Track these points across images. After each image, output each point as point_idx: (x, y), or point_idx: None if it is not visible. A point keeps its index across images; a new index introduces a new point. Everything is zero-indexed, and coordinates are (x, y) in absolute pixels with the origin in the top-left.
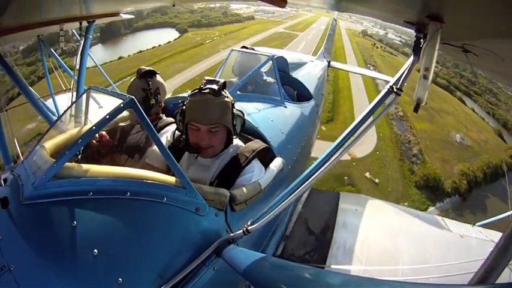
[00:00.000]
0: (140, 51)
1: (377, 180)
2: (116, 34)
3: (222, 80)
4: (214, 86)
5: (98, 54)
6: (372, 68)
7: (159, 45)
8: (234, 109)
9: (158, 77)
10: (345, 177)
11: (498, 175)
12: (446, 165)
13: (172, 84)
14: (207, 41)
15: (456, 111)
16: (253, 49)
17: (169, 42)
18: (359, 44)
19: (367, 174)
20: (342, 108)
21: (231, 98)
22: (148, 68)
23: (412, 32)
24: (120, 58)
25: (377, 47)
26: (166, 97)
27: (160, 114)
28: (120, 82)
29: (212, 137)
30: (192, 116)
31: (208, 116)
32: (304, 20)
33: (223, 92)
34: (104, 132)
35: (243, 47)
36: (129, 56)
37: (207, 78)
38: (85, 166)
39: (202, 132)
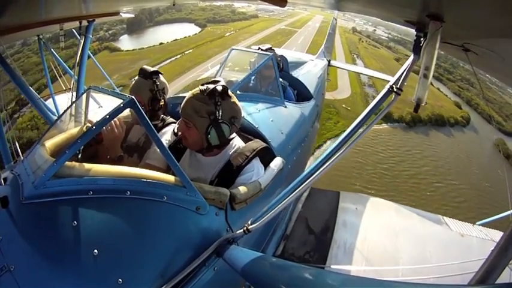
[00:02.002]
0: (176, 39)
1: (349, 108)
2: (141, 26)
3: (221, 85)
4: (209, 86)
5: (125, 44)
6: (355, 56)
7: (189, 36)
8: (219, 120)
9: (162, 77)
10: (330, 105)
11: (445, 123)
12: (398, 110)
13: (217, 61)
14: (227, 34)
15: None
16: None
17: (196, 34)
18: (348, 38)
19: (343, 105)
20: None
21: (227, 108)
22: (153, 68)
23: (399, 28)
24: (161, 44)
25: (362, 41)
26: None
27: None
28: (173, 58)
29: (186, 130)
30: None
31: (182, 108)
32: (301, 18)
33: (216, 98)
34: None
35: (270, 49)
36: (167, 42)
37: (215, 79)
38: (85, 165)
39: (181, 121)
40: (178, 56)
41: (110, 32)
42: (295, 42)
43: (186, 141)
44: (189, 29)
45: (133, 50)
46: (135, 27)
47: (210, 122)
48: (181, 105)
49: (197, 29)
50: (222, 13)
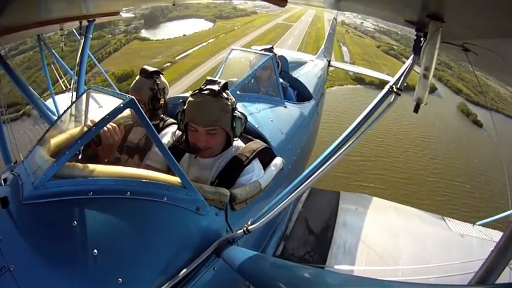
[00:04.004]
0: (195, 32)
1: (333, 75)
2: (157, 22)
3: (223, 81)
4: (215, 87)
5: (147, 36)
6: (341, 44)
7: (205, 29)
8: (235, 111)
9: (162, 77)
10: None
11: (409, 88)
12: (369, 77)
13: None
14: (236, 28)
15: (394, 66)
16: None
17: (210, 28)
18: (336, 30)
19: (329, 74)
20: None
21: (233, 100)
22: (153, 68)
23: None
24: (184, 35)
25: (349, 32)
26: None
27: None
28: (200, 45)
29: (210, 139)
30: (191, 117)
31: (205, 118)
32: (295, 13)
33: (223, 94)
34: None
35: (270, 49)
36: (189, 34)
37: (208, 78)
38: (85, 166)
39: (200, 133)
40: (204, 44)
41: (131, 26)
42: (292, 33)
43: (210, 151)
44: (201, 24)
45: (162, 39)
46: (151, 22)
47: (231, 115)
48: (199, 118)
49: (209, 24)
50: (226, 10)
